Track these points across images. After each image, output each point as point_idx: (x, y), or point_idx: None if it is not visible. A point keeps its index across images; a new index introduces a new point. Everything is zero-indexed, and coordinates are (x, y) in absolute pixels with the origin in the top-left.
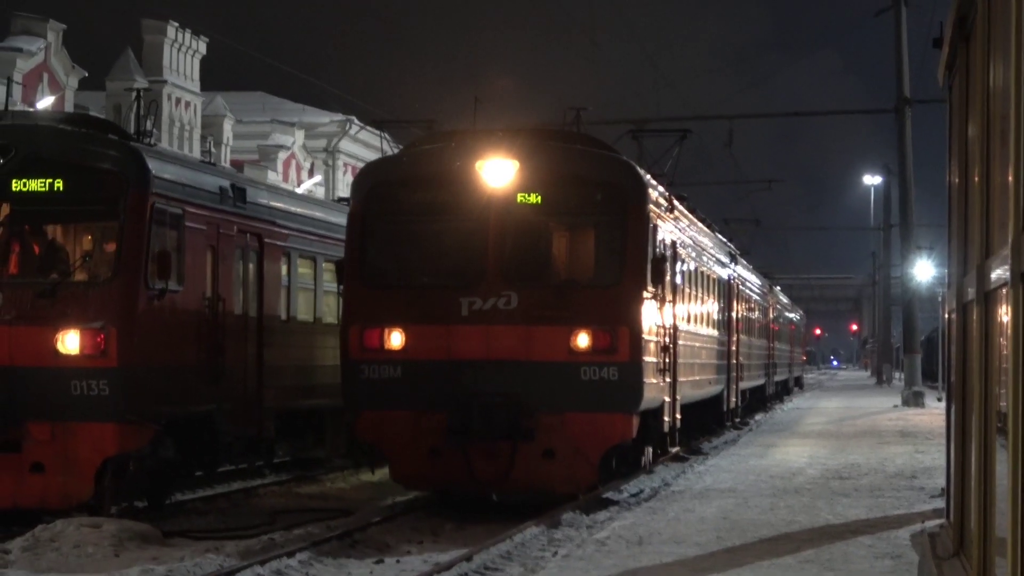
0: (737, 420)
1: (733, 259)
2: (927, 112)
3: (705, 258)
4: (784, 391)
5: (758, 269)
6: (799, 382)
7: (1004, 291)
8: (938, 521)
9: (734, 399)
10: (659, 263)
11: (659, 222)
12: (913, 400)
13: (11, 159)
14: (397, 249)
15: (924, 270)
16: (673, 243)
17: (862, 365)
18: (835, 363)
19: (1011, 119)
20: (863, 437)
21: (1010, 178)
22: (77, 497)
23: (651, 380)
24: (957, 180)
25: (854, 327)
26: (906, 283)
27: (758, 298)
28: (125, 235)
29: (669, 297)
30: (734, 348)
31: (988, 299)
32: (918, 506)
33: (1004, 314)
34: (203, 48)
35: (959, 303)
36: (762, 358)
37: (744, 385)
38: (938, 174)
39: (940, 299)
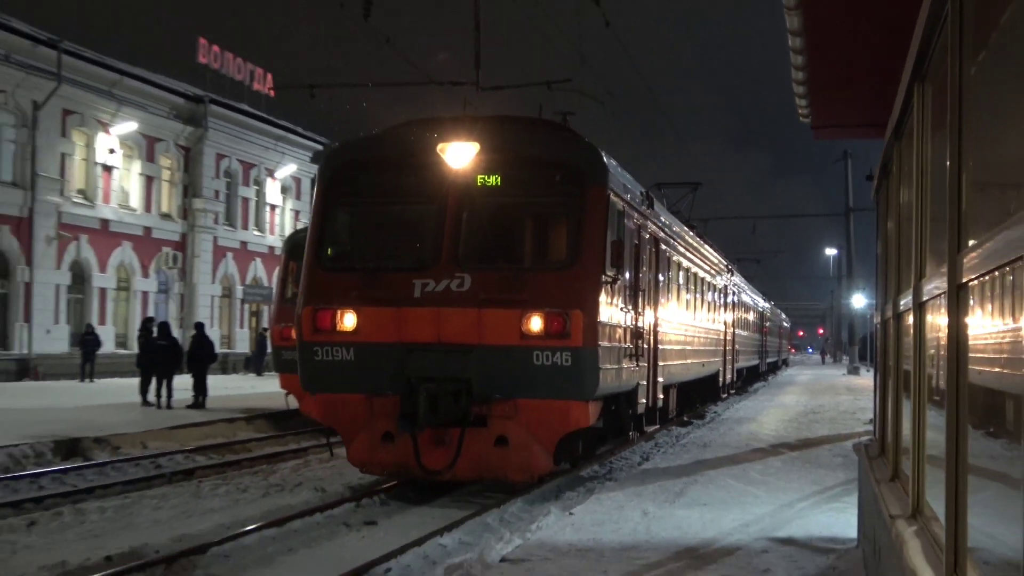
0: (732, 392)
1: (730, 271)
2: (864, 215)
3: (697, 262)
4: (776, 368)
5: (762, 294)
6: (786, 362)
7: (904, 314)
8: (868, 436)
9: (730, 375)
10: (621, 246)
11: (627, 209)
12: (853, 371)
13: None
14: (356, 231)
15: (859, 301)
16: (655, 239)
17: (827, 353)
18: (811, 351)
19: (913, 223)
20: (826, 391)
21: (913, 254)
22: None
23: (612, 365)
24: (881, 252)
25: (821, 331)
26: (850, 307)
27: (752, 304)
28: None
29: (646, 286)
30: (729, 337)
31: (897, 318)
32: (857, 429)
33: (904, 324)
34: None
35: (882, 318)
36: (756, 346)
37: (740, 365)
38: (871, 247)
39: (869, 316)
